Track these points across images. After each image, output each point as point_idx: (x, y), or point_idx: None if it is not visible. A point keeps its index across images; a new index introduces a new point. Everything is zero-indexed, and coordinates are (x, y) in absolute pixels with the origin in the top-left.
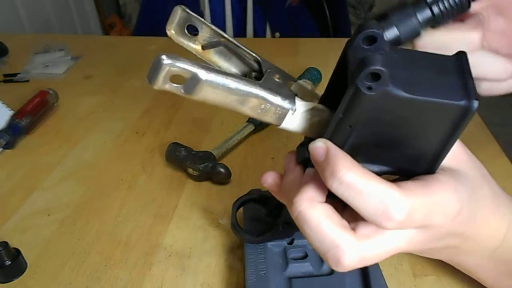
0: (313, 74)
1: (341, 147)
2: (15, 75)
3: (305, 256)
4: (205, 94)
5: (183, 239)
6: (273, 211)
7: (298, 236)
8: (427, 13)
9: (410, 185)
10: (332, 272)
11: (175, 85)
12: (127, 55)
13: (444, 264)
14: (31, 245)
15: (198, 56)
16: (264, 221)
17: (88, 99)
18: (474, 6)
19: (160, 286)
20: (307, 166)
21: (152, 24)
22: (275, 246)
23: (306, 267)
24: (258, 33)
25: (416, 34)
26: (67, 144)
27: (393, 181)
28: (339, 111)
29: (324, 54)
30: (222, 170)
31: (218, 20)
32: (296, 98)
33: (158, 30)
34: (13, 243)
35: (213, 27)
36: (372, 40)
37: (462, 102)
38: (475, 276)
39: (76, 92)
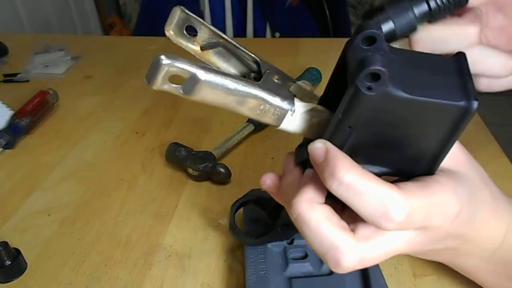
0: (313, 74)
1: (340, 148)
2: (15, 75)
3: (305, 256)
4: (204, 94)
5: (183, 239)
6: (272, 213)
7: (298, 236)
8: (423, 7)
9: (409, 186)
10: (332, 272)
11: (174, 85)
12: (127, 55)
13: (444, 264)
14: (31, 245)
15: (197, 57)
16: (264, 222)
17: (88, 99)
18: (472, 1)
19: (160, 286)
20: (306, 167)
21: (152, 24)
22: (275, 246)
23: (306, 267)
24: (258, 33)
25: (412, 28)
26: (67, 144)
27: (392, 182)
28: (339, 111)
29: (324, 54)
30: (222, 170)
31: (218, 20)
32: (295, 99)
33: (158, 30)
34: (13, 243)
35: (212, 28)
36: (372, 40)
37: (462, 103)
38: (474, 278)
39: (76, 92)
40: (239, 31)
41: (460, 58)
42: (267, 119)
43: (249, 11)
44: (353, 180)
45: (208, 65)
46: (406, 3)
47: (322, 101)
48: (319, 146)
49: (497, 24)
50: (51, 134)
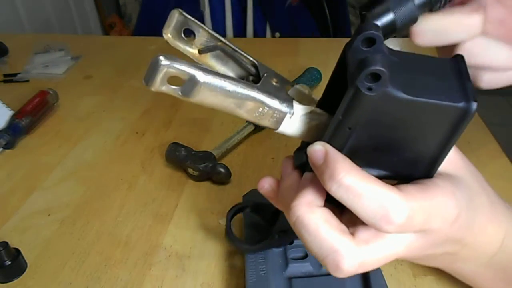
0: (313, 74)
1: (339, 150)
2: (15, 75)
3: (305, 256)
4: (202, 96)
5: (183, 239)
6: (270, 219)
7: None
8: None
9: (409, 188)
10: None
11: (172, 87)
12: (127, 55)
13: None
14: (31, 245)
15: (195, 60)
16: (262, 228)
17: (88, 99)
18: None
19: (160, 286)
20: (304, 171)
21: (152, 24)
22: None
23: (306, 267)
24: (258, 33)
25: (413, 19)
26: (67, 144)
27: (392, 185)
28: (338, 113)
29: (324, 54)
30: (222, 170)
31: (218, 20)
32: (294, 101)
33: (158, 30)
34: (13, 243)
35: (210, 31)
36: (371, 42)
37: (461, 104)
38: (472, 284)
39: (76, 92)
40: (239, 31)
41: (458, 60)
42: (266, 122)
43: (249, 11)
44: (353, 182)
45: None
46: None
47: (321, 104)
48: (318, 148)
49: (497, 16)
50: (51, 134)
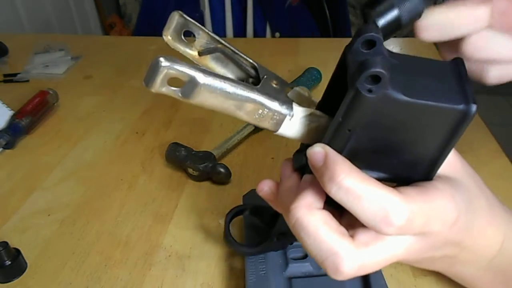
0: (313, 74)
1: (339, 152)
2: (15, 75)
3: (305, 256)
4: (202, 98)
5: (183, 239)
6: (269, 222)
7: None
8: None
9: (409, 190)
10: None
11: (172, 88)
12: (127, 55)
13: None
14: (31, 245)
15: (195, 62)
16: (263, 229)
17: (88, 99)
18: None
19: (160, 286)
20: (304, 173)
21: (152, 24)
22: None
23: (306, 267)
24: (258, 33)
25: (418, 13)
26: (67, 144)
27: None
28: (338, 114)
29: (324, 54)
30: (222, 170)
31: (218, 20)
32: (294, 104)
33: (158, 30)
34: (13, 243)
35: (210, 33)
36: (371, 44)
37: (461, 106)
38: (471, 287)
39: (76, 92)
40: (239, 31)
41: (458, 62)
42: (266, 124)
43: (249, 11)
44: (353, 184)
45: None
46: None
47: (320, 106)
48: (318, 150)
49: (500, 8)
50: (51, 134)
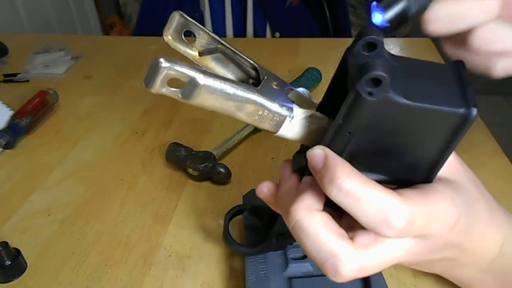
0: (313, 74)
1: (339, 154)
2: (15, 75)
3: (305, 256)
4: (202, 99)
5: (183, 239)
6: (268, 223)
7: None
8: None
9: (409, 193)
10: None
11: (172, 89)
12: (127, 55)
13: None
14: (31, 245)
15: (195, 62)
16: (262, 230)
17: (88, 99)
18: None
19: (160, 286)
20: (303, 175)
21: (152, 24)
22: None
23: (306, 267)
24: (258, 33)
25: (425, 5)
26: (67, 144)
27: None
28: (339, 117)
29: (324, 54)
30: (222, 170)
31: (218, 20)
32: (294, 105)
33: (158, 30)
34: (13, 243)
35: (211, 33)
36: (372, 46)
37: (461, 110)
38: None
39: (76, 92)
40: (239, 31)
41: (458, 65)
42: (266, 125)
43: (249, 11)
44: (353, 186)
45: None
46: None
47: (321, 107)
48: (318, 152)
49: None
50: (51, 134)
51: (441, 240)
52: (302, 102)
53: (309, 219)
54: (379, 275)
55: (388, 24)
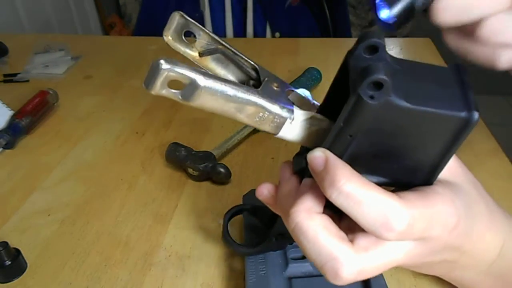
0: (313, 74)
1: (340, 157)
2: (15, 75)
3: (305, 256)
4: (203, 100)
5: (183, 239)
6: (267, 223)
7: None
8: None
9: (409, 195)
10: None
11: (172, 90)
12: (127, 55)
13: None
14: (31, 245)
15: (195, 63)
16: (262, 229)
17: (88, 99)
18: None
19: (160, 286)
20: (303, 176)
21: (152, 24)
22: None
23: (306, 267)
24: (258, 33)
25: None
26: (67, 144)
27: (391, 192)
28: (340, 120)
29: (324, 54)
30: (222, 170)
31: (218, 20)
32: (295, 107)
33: (158, 30)
34: (13, 243)
35: (211, 34)
36: (374, 49)
37: (463, 114)
38: None
39: (76, 92)
40: (239, 31)
41: (459, 68)
42: (266, 126)
43: (249, 11)
44: (353, 189)
45: (208, 71)
46: None
47: (322, 108)
48: (318, 155)
49: None
50: (51, 134)
51: (440, 243)
52: (303, 104)
53: (309, 221)
54: (379, 275)
55: (395, 19)
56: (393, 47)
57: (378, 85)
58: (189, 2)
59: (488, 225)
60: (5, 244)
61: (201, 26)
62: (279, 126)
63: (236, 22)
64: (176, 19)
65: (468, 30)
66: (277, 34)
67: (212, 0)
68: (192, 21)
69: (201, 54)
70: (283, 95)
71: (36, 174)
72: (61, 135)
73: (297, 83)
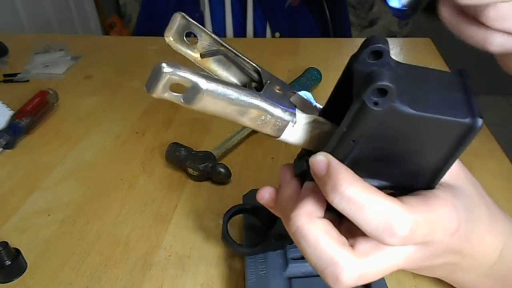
0: (313, 74)
1: (342, 161)
2: (15, 75)
3: None
4: (205, 104)
5: (183, 239)
6: (267, 223)
7: None
8: None
9: (411, 200)
10: None
11: (174, 94)
12: (127, 55)
13: None
14: (31, 245)
15: (197, 64)
16: (261, 229)
17: (88, 99)
18: None
19: (160, 286)
20: (304, 179)
21: (152, 24)
22: None
23: (306, 267)
24: (258, 33)
25: None
26: (67, 144)
27: (392, 195)
28: (343, 125)
29: (324, 54)
30: (222, 170)
31: (218, 20)
32: (297, 110)
33: (158, 30)
34: (13, 243)
35: (213, 35)
36: (378, 55)
37: (467, 120)
38: None
39: (76, 92)
40: (239, 31)
41: (462, 73)
42: (268, 130)
43: (249, 11)
44: (356, 194)
45: (209, 74)
46: None
47: (324, 112)
48: (320, 159)
49: None
50: (51, 134)
51: (441, 246)
52: (305, 106)
53: (310, 226)
54: None
55: (405, 8)
56: (393, 47)
57: (383, 92)
58: (189, 2)
59: (488, 228)
60: (5, 244)
61: (202, 27)
62: (281, 129)
63: (236, 22)
64: (178, 20)
65: (474, 10)
66: (277, 34)
67: (212, 0)
68: (194, 22)
69: (202, 56)
70: (285, 98)
71: (36, 174)
72: (61, 135)
73: (297, 83)
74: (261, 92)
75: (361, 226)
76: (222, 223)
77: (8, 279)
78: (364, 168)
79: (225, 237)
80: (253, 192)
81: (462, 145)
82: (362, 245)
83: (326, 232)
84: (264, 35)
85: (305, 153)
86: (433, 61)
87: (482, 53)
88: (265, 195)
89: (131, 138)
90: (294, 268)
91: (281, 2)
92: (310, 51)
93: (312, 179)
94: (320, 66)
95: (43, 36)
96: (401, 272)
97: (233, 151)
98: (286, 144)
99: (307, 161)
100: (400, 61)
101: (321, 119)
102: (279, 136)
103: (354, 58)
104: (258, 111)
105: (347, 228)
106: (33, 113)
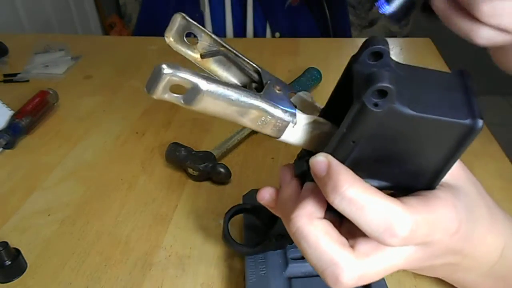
0: (313, 74)
1: (342, 162)
2: (15, 75)
3: None
4: (205, 105)
5: (183, 239)
6: (267, 223)
7: None
8: None
9: (412, 201)
10: None
11: (174, 95)
12: (127, 55)
13: None
14: (31, 245)
15: (197, 64)
16: (262, 229)
17: (88, 99)
18: None
19: (160, 286)
20: (304, 180)
21: (152, 24)
22: None
23: (306, 267)
24: (258, 33)
25: None
26: (67, 144)
27: (392, 196)
28: (343, 126)
29: (324, 54)
30: (222, 170)
31: (218, 20)
32: (297, 110)
33: (158, 30)
34: (13, 243)
35: (213, 35)
36: (378, 56)
37: (467, 121)
38: None
39: (76, 92)
40: (239, 31)
41: (463, 74)
42: (268, 130)
43: (249, 11)
44: (356, 194)
45: (210, 74)
46: None
47: (324, 113)
48: (321, 160)
49: None
50: (51, 134)
51: (441, 247)
52: (305, 106)
53: (310, 226)
54: None
55: (395, 13)
56: (393, 47)
57: (383, 93)
58: (189, 2)
59: (489, 228)
60: (5, 244)
61: (202, 28)
62: (282, 130)
63: (236, 22)
64: (178, 20)
65: (459, 1)
66: (277, 34)
67: (212, 0)
68: (194, 22)
69: (202, 56)
70: (286, 98)
71: (36, 174)
72: (61, 135)
73: (297, 83)
74: (261, 93)
75: (361, 227)
76: (223, 223)
77: (8, 279)
78: (364, 168)
79: (226, 237)
80: (253, 192)
81: (463, 146)
82: (362, 245)
83: (327, 233)
84: (264, 35)
85: (305, 153)
86: (433, 61)
87: (482, 53)
88: (265, 196)
89: (131, 138)
90: (294, 268)
91: (281, 2)
92: (310, 51)
93: (312, 180)
94: (320, 66)
95: (43, 36)
96: (401, 272)
97: (233, 151)
98: (286, 145)
99: (307, 161)
100: (400, 61)
101: (321, 119)
102: (280, 137)
103: (354, 59)
104: (258, 111)
105: (348, 228)
106: (33, 113)
